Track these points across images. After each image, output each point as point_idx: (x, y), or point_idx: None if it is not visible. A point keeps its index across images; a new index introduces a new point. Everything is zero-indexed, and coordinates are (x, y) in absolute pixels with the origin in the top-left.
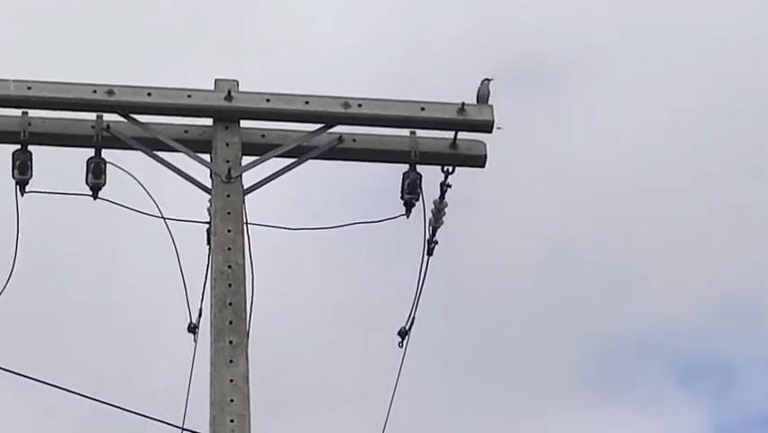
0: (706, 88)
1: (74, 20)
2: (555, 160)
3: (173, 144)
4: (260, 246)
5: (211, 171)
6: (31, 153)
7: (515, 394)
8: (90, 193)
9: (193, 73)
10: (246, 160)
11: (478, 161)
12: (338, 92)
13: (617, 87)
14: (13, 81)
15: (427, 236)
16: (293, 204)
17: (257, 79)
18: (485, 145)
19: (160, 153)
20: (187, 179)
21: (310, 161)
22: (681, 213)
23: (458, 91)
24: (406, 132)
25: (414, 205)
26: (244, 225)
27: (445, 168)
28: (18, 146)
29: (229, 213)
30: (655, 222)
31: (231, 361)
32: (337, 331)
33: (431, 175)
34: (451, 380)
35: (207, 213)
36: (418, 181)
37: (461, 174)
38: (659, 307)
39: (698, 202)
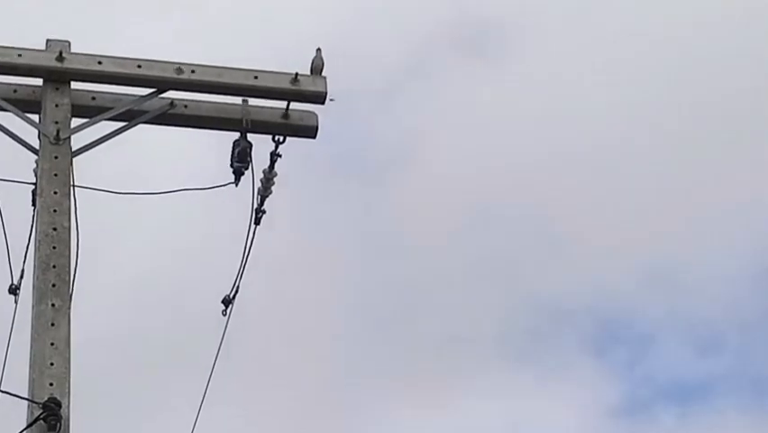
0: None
1: None
2: (481, 117)
3: (1, 103)
4: (87, 209)
5: (39, 132)
6: None
7: (430, 354)
8: None
9: (24, 32)
10: (76, 122)
11: (309, 131)
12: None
13: (547, 47)
14: None
15: (255, 205)
16: (122, 168)
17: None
18: (317, 116)
19: None
20: (14, 139)
21: (141, 126)
22: (612, 174)
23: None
24: (239, 100)
25: (243, 173)
26: (71, 188)
27: (276, 137)
28: None
29: (56, 174)
30: (584, 183)
31: (52, 324)
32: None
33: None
34: (364, 342)
35: (34, 174)
36: (248, 150)
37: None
38: (582, 269)
39: (629, 165)
